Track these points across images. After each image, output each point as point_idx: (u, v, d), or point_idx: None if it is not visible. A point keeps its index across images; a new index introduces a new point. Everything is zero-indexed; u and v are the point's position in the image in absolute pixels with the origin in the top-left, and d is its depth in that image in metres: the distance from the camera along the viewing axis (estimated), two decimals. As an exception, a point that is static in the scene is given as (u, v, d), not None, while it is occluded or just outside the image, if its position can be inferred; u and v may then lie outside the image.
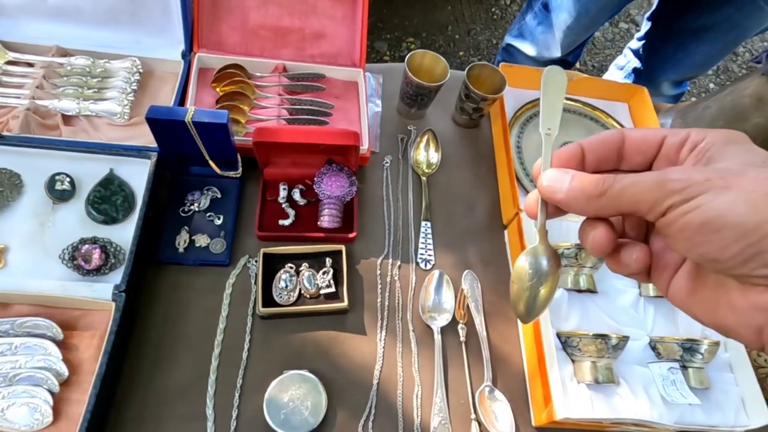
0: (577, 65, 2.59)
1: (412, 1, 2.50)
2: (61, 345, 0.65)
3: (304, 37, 0.93)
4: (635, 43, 1.76)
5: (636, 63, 1.77)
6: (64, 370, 0.64)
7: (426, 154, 0.92)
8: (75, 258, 0.69)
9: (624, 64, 1.82)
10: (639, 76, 1.77)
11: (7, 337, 0.64)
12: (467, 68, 0.90)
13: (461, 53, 2.41)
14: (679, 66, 1.64)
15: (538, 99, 1.01)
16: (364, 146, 0.84)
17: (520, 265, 0.37)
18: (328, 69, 0.93)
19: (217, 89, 0.87)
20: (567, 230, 0.84)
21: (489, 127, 1.00)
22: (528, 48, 1.65)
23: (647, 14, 1.68)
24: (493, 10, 2.61)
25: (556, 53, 1.58)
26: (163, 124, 0.69)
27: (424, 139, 0.93)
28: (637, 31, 2.04)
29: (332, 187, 0.80)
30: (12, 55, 0.82)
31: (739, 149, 0.30)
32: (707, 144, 0.31)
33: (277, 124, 0.85)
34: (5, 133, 0.73)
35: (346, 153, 0.80)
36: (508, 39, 1.73)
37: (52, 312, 0.67)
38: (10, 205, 0.71)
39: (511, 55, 1.73)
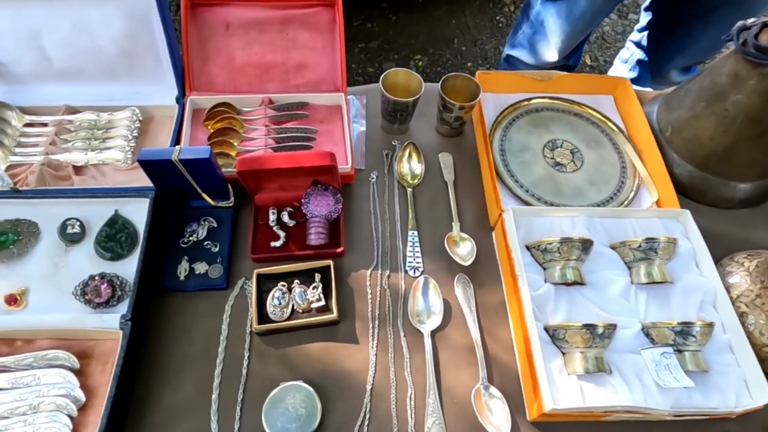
0: (588, 61, 2.57)
1: (416, 19, 2.56)
2: (79, 373, 0.72)
3: (288, 70, 1.00)
4: (637, 35, 1.75)
5: (640, 54, 1.75)
6: (82, 396, 0.70)
7: (409, 166, 0.95)
8: (86, 293, 0.76)
9: (628, 57, 1.81)
10: (644, 67, 1.75)
11: (31, 369, 0.72)
12: (441, 80, 0.94)
13: (469, 64, 2.44)
14: (686, 52, 1.61)
15: (518, 102, 1.04)
16: (347, 165, 0.88)
17: None
18: (311, 96, 0.98)
19: (209, 127, 0.93)
20: (550, 226, 0.85)
21: (473, 133, 1.03)
22: (526, 56, 1.67)
23: (644, 5, 1.67)
24: (497, 18, 2.64)
25: (554, 59, 1.59)
26: (153, 165, 0.76)
27: (406, 152, 0.97)
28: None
29: (319, 206, 0.85)
30: (28, 118, 0.92)
31: None
32: None
33: (264, 153, 0.91)
34: (22, 188, 0.82)
35: (328, 173, 0.85)
36: (507, 50, 1.75)
37: (70, 344, 0.74)
38: (28, 251, 0.79)
39: (512, 64, 1.74)
